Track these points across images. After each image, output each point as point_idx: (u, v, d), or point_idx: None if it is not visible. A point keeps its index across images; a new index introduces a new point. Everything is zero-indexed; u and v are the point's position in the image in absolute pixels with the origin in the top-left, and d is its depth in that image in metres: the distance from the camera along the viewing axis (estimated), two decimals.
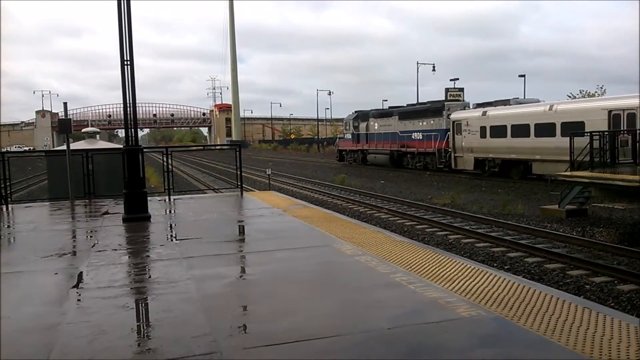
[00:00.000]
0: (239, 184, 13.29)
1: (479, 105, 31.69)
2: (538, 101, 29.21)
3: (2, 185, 11.96)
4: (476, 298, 4.39)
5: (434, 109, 35.28)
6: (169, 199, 12.33)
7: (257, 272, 5.77)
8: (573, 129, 21.99)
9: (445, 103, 34.80)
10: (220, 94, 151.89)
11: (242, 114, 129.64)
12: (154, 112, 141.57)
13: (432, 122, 34.79)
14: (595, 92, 57.14)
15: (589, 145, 16.23)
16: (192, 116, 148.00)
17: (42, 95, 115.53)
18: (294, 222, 8.78)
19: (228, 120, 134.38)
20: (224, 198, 15.08)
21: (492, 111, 29.34)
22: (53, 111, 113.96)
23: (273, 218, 9.42)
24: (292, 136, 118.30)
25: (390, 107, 43.35)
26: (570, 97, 58.63)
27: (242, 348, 3.53)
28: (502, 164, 28.38)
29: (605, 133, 17.38)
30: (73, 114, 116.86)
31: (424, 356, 3.42)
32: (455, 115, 31.95)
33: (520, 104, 29.15)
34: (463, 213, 16.81)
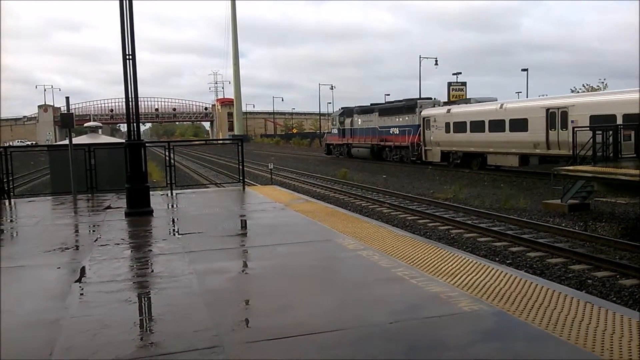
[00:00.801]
0: (241, 178, 13.31)
1: (445, 104, 36.07)
2: (495, 100, 32.20)
3: (5, 180, 11.98)
4: (478, 292, 4.39)
5: (408, 107, 38.35)
6: (171, 194, 12.34)
7: (259, 267, 5.78)
8: (519, 125, 26.71)
9: (418, 101, 37.86)
10: (223, 88, 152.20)
11: (244, 108, 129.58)
12: (156, 107, 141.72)
13: (406, 118, 37.84)
14: (598, 86, 57.07)
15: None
16: (194, 110, 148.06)
17: (45, 90, 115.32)
18: (296, 216, 8.79)
19: (230, 114, 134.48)
20: (226, 192, 15.09)
21: (455, 109, 32.76)
22: (55, 106, 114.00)
23: (275, 212, 9.43)
24: (294, 130, 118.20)
25: (371, 104, 46.08)
26: (572, 91, 58.59)
27: (245, 342, 3.54)
28: (464, 156, 31.68)
29: (609, 128, 17.34)
30: (75, 108, 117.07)
31: (426, 351, 3.42)
32: (425, 112, 35.09)
33: (479, 102, 32.45)
34: (465, 207, 16.80)
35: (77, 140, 15.70)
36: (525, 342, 3.45)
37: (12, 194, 12.41)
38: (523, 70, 56.21)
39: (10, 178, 12.36)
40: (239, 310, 4.30)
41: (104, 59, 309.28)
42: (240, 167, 13.29)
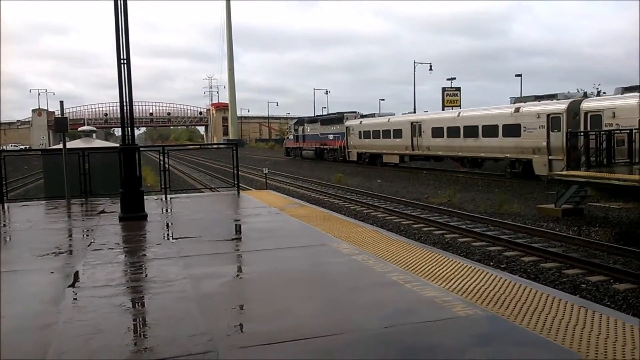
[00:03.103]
0: (235, 182, 13.28)
1: (362, 117, 46.49)
2: (393, 114, 42.67)
3: None
4: (473, 297, 4.40)
5: (338, 118, 49.66)
6: (166, 198, 12.31)
7: (254, 271, 5.77)
8: (397, 133, 37.93)
9: (345, 114, 49.33)
10: (217, 92, 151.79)
11: (238, 113, 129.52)
12: (151, 111, 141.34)
13: (337, 127, 48.93)
14: (592, 92, 57.33)
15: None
16: (189, 115, 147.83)
17: (39, 94, 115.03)
18: (291, 221, 8.78)
19: (225, 119, 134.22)
20: (221, 197, 15.07)
21: (364, 121, 44.23)
22: (49, 110, 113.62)
23: (270, 217, 9.42)
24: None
25: (316, 116, 62.58)
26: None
27: (239, 347, 3.53)
28: (370, 156, 42.73)
29: (602, 133, 17.44)
30: (69, 112, 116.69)
31: (421, 355, 3.42)
32: (347, 123, 46.40)
33: (381, 116, 43.90)
34: (459, 212, 16.83)
35: (71, 144, 15.66)
36: (520, 347, 3.45)
37: (5, 198, 12.34)
38: (517, 75, 56.38)
39: (4, 182, 12.30)
40: (233, 315, 4.29)
41: (93, 62, 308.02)
42: (235, 171, 13.27)
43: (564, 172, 16.02)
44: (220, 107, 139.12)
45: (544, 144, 24.75)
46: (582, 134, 18.47)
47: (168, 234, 8.35)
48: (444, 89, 54.71)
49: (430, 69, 60.66)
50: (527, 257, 11.08)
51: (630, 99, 20.73)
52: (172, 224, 9.40)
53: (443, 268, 5.38)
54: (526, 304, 4.19)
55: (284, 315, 4.14)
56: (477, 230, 13.84)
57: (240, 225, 9.07)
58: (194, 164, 54.07)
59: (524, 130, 26.04)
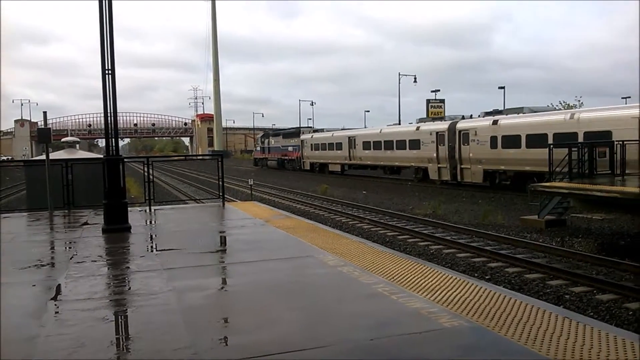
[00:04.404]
0: (220, 194, 13.22)
1: (314, 131, 54.89)
2: (340, 129, 51.07)
3: None
4: (458, 308, 4.41)
5: (295, 132, 57.40)
6: (150, 210, 12.22)
7: (239, 284, 5.73)
8: (339, 146, 45.70)
9: (301, 128, 58.42)
10: (202, 103, 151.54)
11: (224, 124, 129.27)
12: (135, 122, 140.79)
13: (295, 140, 56.03)
14: (574, 104, 58.41)
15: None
16: (174, 126, 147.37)
17: (22, 104, 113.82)
18: (276, 232, 8.76)
19: (210, 130, 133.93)
20: (206, 208, 14.99)
21: (315, 135, 52.49)
22: (32, 120, 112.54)
23: (255, 229, 9.39)
24: None
25: (279, 130, 72.06)
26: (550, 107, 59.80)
27: None
28: (320, 165, 50.26)
29: (584, 145, 17.67)
30: (53, 123, 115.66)
31: None
32: (302, 137, 53.98)
33: (329, 131, 50.95)
34: (444, 223, 16.91)
35: (54, 155, 15.51)
36: (506, 358, 3.46)
37: None
38: (500, 88, 56.97)
39: None
40: (218, 327, 4.26)
41: (73, 72, 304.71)
42: (220, 182, 13.22)
43: (547, 184, 16.18)
44: (206, 118, 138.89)
45: (434, 155, 31.81)
46: (460, 146, 28.98)
47: (152, 246, 8.28)
48: (428, 101, 55.12)
49: (415, 81, 61.22)
50: (511, 268, 11.15)
51: (486, 121, 28.14)
52: (156, 235, 9.33)
53: (428, 279, 5.39)
54: (511, 315, 4.21)
55: (269, 328, 4.11)
56: (462, 241, 13.91)
57: (225, 237, 9.02)
58: (179, 175, 53.79)
59: (422, 144, 33.11)
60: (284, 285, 5.55)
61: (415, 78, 61.25)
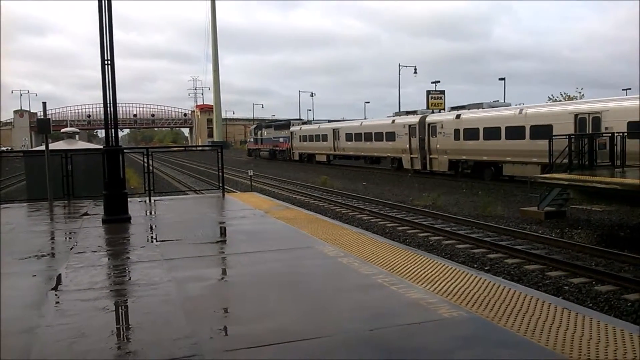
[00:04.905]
0: (220, 185, 13.22)
1: (303, 123, 57.66)
2: (326, 121, 54.15)
3: None
4: (457, 299, 4.42)
5: (286, 124, 60.28)
6: (150, 200, 12.22)
7: (239, 274, 5.74)
8: (324, 137, 48.56)
9: (291, 121, 60.88)
10: (202, 94, 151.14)
11: (223, 115, 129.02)
12: (135, 112, 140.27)
13: (286, 132, 59.00)
14: (575, 95, 58.37)
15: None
16: (173, 117, 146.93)
17: (20, 95, 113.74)
18: (276, 223, 8.76)
19: (210, 120, 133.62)
20: (206, 199, 15.00)
21: (304, 127, 55.39)
22: (31, 111, 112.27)
23: (255, 219, 9.40)
24: None
25: (271, 122, 76.11)
26: (550, 99, 59.99)
27: (224, 350, 3.51)
28: (308, 156, 53.09)
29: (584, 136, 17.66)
30: (52, 113, 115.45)
31: (406, 357, 3.42)
32: (292, 128, 57.15)
33: (316, 123, 54.53)
34: (444, 215, 16.92)
35: (53, 146, 15.50)
36: (505, 349, 3.48)
37: None
38: (500, 79, 56.96)
39: None
40: (218, 318, 4.27)
41: (71, 63, 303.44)
42: (220, 173, 13.22)
43: (547, 175, 16.19)
44: (205, 109, 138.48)
45: (407, 146, 34.58)
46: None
47: (152, 237, 8.29)
48: (428, 92, 54.96)
49: (415, 72, 60.92)
50: (510, 259, 11.18)
51: (451, 115, 30.99)
52: (156, 226, 9.34)
53: (428, 270, 5.40)
54: (510, 306, 4.22)
55: (269, 318, 4.12)
56: (462, 232, 13.92)
57: (225, 228, 9.03)
58: (179, 166, 53.78)
59: (397, 137, 35.89)
60: (284, 275, 5.56)
61: (415, 69, 61.00)
